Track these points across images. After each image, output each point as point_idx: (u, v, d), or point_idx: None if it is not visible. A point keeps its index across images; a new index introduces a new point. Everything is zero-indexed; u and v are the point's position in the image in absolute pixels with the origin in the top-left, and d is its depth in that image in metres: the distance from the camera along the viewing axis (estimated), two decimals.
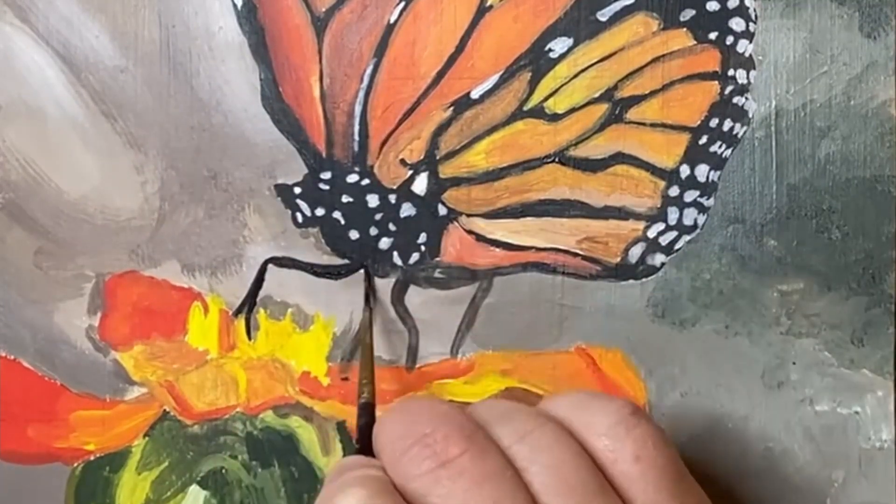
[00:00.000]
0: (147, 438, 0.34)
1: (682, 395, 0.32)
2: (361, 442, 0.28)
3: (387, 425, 0.26)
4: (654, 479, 0.25)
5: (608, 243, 0.32)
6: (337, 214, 0.33)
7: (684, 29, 0.32)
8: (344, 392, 0.33)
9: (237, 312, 0.33)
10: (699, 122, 0.32)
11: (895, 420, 0.32)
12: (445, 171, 0.33)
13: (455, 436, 0.24)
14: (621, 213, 0.32)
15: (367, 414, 0.29)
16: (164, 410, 0.33)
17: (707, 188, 0.32)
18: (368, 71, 0.32)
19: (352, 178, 0.33)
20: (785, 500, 0.32)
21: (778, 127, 0.32)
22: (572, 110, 0.32)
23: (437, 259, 0.33)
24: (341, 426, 0.33)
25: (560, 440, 0.25)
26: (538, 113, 0.32)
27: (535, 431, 0.25)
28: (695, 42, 0.32)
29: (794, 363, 0.32)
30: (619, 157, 0.32)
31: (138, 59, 0.33)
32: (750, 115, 0.32)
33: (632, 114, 0.32)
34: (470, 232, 0.33)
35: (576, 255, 0.33)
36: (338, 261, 0.33)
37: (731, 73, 0.32)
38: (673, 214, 0.32)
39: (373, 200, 0.33)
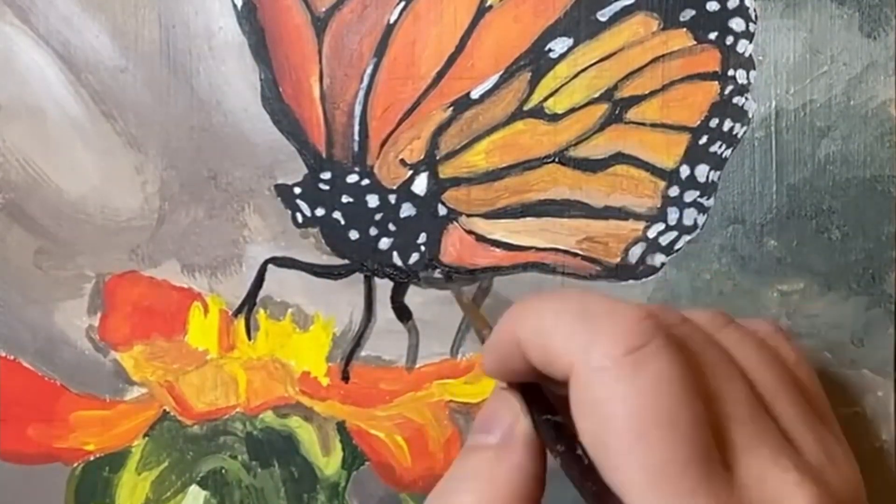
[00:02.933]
0: (147, 438, 0.34)
1: None
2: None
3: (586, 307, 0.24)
4: (817, 382, 0.27)
5: (608, 243, 0.32)
6: (337, 214, 0.33)
7: (684, 29, 0.32)
8: (344, 392, 0.33)
9: (237, 312, 0.33)
10: (699, 123, 0.32)
11: (895, 420, 0.32)
12: (445, 171, 0.33)
13: (670, 311, 0.25)
14: (621, 214, 0.32)
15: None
16: (164, 410, 0.33)
17: (707, 188, 0.32)
18: (368, 71, 0.32)
19: (352, 179, 0.33)
20: None
21: (778, 127, 0.32)
22: (572, 110, 0.32)
23: (437, 259, 0.33)
24: (341, 426, 0.33)
25: (751, 335, 0.27)
26: (538, 113, 0.32)
27: (729, 326, 0.27)
28: (695, 42, 0.32)
29: None
30: (619, 157, 0.32)
31: (138, 59, 0.33)
32: (750, 115, 0.32)
33: (632, 114, 0.32)
34: (470, 232, 0.33)
35: (576, 255, 0.33)
36: (338, 261, 0.33)
37: (731, 73, 0.32)
38: (673, 214, 0.32)
39: (373, 200, 0.33)
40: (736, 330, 0.27)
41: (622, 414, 0.21)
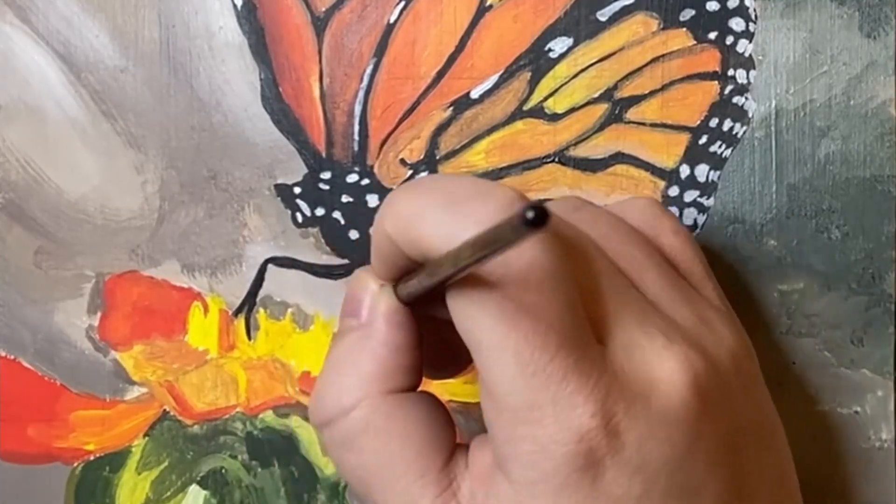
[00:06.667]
0: (147, 438, 0.34)
1: None
2: None
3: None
4: (691, 249, 0.28)
5: None
6: (337, 214, 0.33)
7: (684, 29, 0.32)
8: None
9: (237, 312, 0.33)
10: (699, 122, 0.32)
11: (895, 420, 0.32)
12: (445, 171, 0.33)
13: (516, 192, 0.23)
14: None
15: None
16: (164, 410, 0.33)
17: (707, 188, 0.32)
18: (368, 71, 0.32)
19: (352, 178, 0.33)
20: None
21: (778, 127, 0.32)
22: (572, 110, 0.32)
23: None
24: None
25: (608, 214, 0.27)
26: (538, 113, 0.32)
27: (582, 209, 0.27)
28: (695, 42, 0.32)
29: (794, 363, 0.32)
30: (619, 157, 0.32)
31: (138, 59, 0.33)
32: (750, 115, 0.32)
33: (632, 114, 0.32)
34: None
35: None
36: (338, 261, 0.33)
37: (730, 72, 0.32)
38: None
39: (373, 200, 0.33)
40: (590, 211, 0.27)
41: (491, 309, 0.21)
